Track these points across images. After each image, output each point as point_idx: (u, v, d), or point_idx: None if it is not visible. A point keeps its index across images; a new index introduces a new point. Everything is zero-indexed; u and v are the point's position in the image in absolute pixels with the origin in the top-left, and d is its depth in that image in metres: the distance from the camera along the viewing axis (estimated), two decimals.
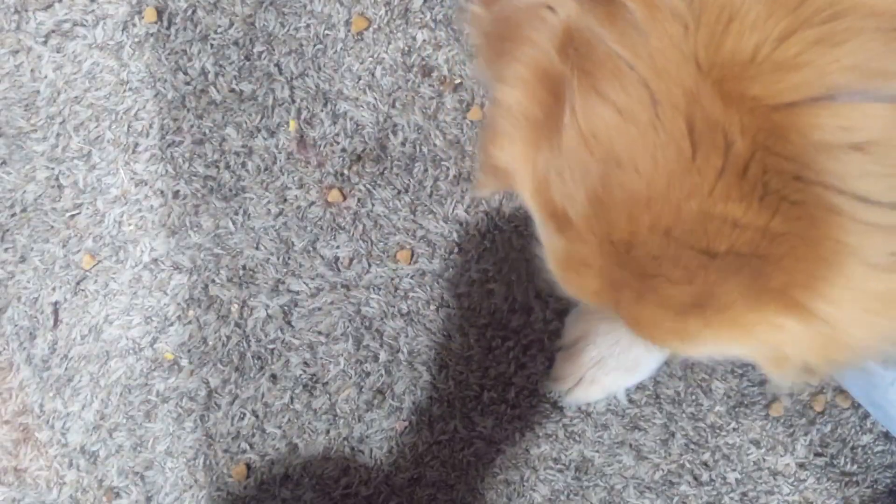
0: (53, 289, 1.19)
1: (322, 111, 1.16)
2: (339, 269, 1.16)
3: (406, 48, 1.16)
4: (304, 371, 1.16)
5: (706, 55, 0.47)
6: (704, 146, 0.48)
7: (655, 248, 0.51)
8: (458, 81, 1.15)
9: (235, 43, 1.17)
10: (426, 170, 1.15)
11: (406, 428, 1.16)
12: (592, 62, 0.50)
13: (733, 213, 0.48)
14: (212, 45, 1.17)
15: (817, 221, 0.47)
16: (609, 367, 1.07)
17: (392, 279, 1.15)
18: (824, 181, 0.46)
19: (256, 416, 1.17)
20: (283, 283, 1.16)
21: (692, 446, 1.13)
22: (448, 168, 1.14)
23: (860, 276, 0.48)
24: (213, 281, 1.17)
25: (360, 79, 1.16)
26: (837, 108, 0.45)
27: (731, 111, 0.47)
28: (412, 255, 1.15)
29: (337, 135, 1.16)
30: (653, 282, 0.53)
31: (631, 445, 1.14)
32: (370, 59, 1.16)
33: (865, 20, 0.45)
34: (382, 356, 1.15)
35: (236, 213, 1.17)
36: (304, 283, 1.16)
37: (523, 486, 1.14)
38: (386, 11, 1.16)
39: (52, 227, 1.19)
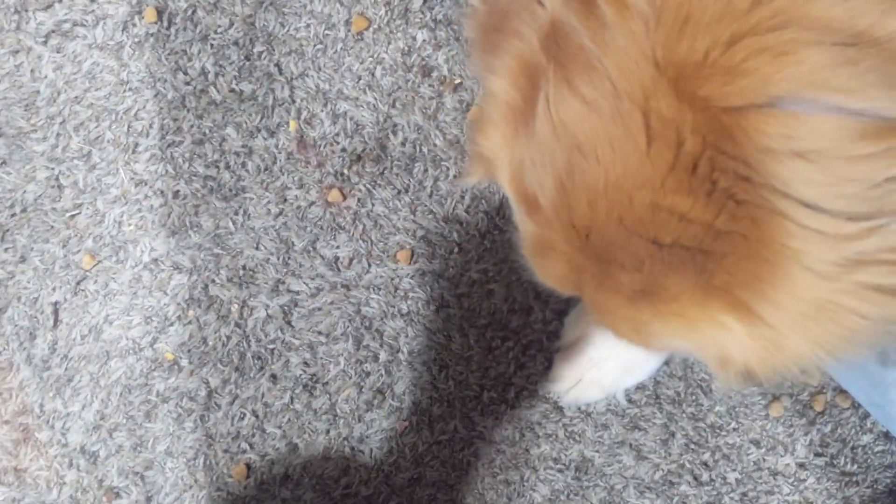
0: (53, 289, 1.19)
1: (322, 111, 1.16)
2: (339, 269, 1.16)
3: (406, 48, 1.16)
4: (304, 371, 1.16)
5: (663, 54, 0.48)
6: (658, 140, 0.49)
7: (610, 235, 0.53)
8: (458, 81, 1.15)
9: (235, 43, 1.17)
10: (426, 170, 1.15)
11: (406, 428, 1.16)
12: (567, 55, 0.52)
13: (681, 207, 0.50)
14: (212, 45, 1.17)
15: (762, 223, 0.49)
16: (608, 368, 1.07)
17: (392, 279, 1.15)
18: (770, 184, 0.48)
19: (256, 416, 1.17)
20: (283, 283, 1.16)
21: (692, 446, 1.13)
22: (448, 168, 1.14)
23: (801, 282, 0.49)
24: (213, 281, 1.17)
25: (360, 79, 1.16)
26: (781, 115, 0.47)
27: (683, 109, 0.48)
28: (412, 256, 1.15)
29: (337, 135, 1.16)
30: (608, 267, 0.54)
31: (631, 445, 1.14)
32: (370, 59, 1.16)
33: (811, 32, 0.46)
34: (382, 356, 1.15)
35: (236, 213, 1.17)
36: (304, 283, 1.16)
37: (523, 486, 1.14)
38: (386, 11, 1.16)
39: (52, 227, 1.19)
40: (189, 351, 1.18)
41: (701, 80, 0.48)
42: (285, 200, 1.16)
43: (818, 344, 0.51)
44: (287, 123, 1.17)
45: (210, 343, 1.17)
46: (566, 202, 0.54)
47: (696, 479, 1.13)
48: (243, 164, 1.17)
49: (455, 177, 1.14)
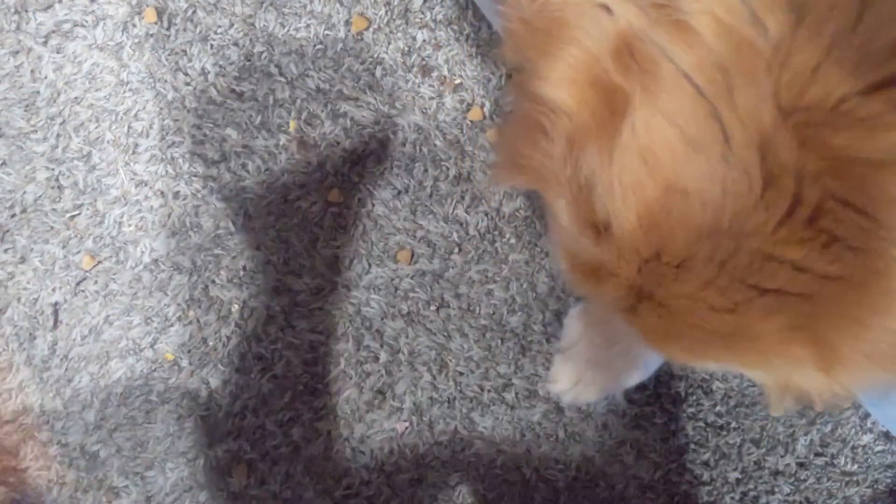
0: (53, 289, 1.19)
1: (322, 111, 1.16)
2: (339, 270, 1.16)
3: (406, 48, 1.16)
4: (305, 371, 1.16)
5: (788, 98, 0.46)
6: (775, 187, 0.47)
7: (705, 277, 0.51)
8: (458, 81, 1.15)
9: (235, 43, 1.17)
10: (426, 170, 1.15)
11: (407, 428, 1.16)
12: (658, 81, 0.49)
13: (793, 257, 0.48)
14: (212, 46, 1.17)
15: (877, 270, 0.48)
16: (607, 369, 1.07)
17: (392, 279, 1.15)
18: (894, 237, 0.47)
19: (257, 417, 1.17)
20: (284, 283, 1.16)
21: (692, 446, 1.13)
22: (448, 168, 1.14)
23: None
24: (214, 281, 1.17)
25: (360, 79, 1.16)
26: None
27: (806, 156, 0.46)
28: (412, 256, 1.15)
29: (337, 135, 1.16)
30: (693, 306, 0.52)
31: (631, 445, 1.14)
32: (370, 59, 1.16)
33: None
34: (383, 356, 1.16)
35: (236, 214, 1.17)
36: (305, 283, 1.16)
37: (525, 486, 1.14)
38: (386, 11, 1.16)
39: (52, 227, 1.19)
40: (189, 351, 1.18)
41: (833, 129, 0.46)
42: (285, 201, 1.16)
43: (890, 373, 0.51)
44: (287, 123, 1.17)
45: (210, 343, 1.17)
46: (653, 237, 0.51)
47: (696, 478, 1.13)
48: (243, 165, 1.17)
49: (455, 177, 1.14)
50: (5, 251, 1.19)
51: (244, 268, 1.17)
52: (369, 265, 1.16)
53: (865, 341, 0.49)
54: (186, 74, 1.17)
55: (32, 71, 1.18)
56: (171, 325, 1.18)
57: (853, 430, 1.12)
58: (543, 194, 0.58)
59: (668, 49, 0.49)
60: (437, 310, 1.15)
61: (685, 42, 0.49)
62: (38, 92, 1.18)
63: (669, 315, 0.54)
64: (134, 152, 1.18)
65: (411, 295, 1.15)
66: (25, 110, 1.19)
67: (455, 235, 1.15)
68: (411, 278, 1.15)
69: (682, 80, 0.48)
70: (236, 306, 1.17)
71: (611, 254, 0.53)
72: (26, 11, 1.18)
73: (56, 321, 1.19)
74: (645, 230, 0.51)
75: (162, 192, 1.18)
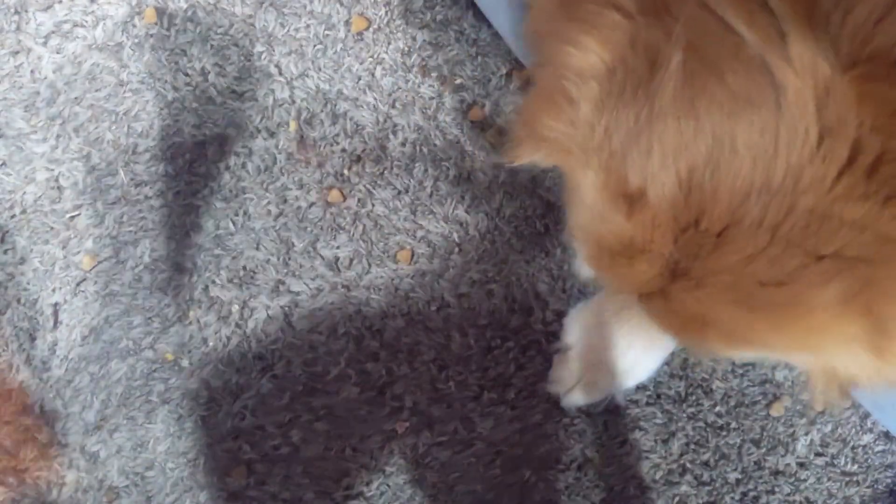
0: (53, 290, 1.19)
1: (322, 111, 1.16)
2: (339, 270, 1.16)
3: (406, 48, 1.16)
4: (305, 371, 1.16)
5: (849, 50, 0.45)
6: (832, 138, 0.45)
7: (754, 244, 0.48)
8: (458, 81, 1.15)
9: (235, 43, 1.17)
10: (426, 170, 1.15)
11: (406, 428, 1.16)
12: (700, 35, 0.47)
13: (852, 214, 0.46)
14: (212, 46, 1.17)
15: None
16: (606, 370, 1.07)
17: (392, 279, 1.15)
18: None
19: (256, 417, 1.17)
20: (284, 283, 1.16)
21: (693, 446, 1.13)
22: (448, 168, 1.14)
23: None
24: (214, 282, 1.17)
25: (360, 79, 1.16)
26: None
27: (865, 108, 0.45)
28: (412, 256, 1.15)
29: (337, 135, 1.16)
30: (735, 279, 0.49)
31: (632, 445, 1.14)
32: (370, 59, 1.16)
33: None
34: (383, 356, 1.15)
35: (236, 214, 1.17)
36: (305, 283, 1.16)
37: (524, 486, 1.14)
38: (386, 11, 1.16)
39: (52, 228, 1.19)
40: (190, 352, 1.18)
41: (893, 82, 0.44)
42: (285, 201, 1.16)
43: None
44: (287, 124, 1.17)
45: (211, 344, 1.17)
46: (695, 202, 0.48)
47: (696, 478, 1.13)
48: (243, 165, 1.17)
49: (455, 177, 1.14)
50: (5, 252, 1.19)
51: (244, 268, 1.17)
52: (369, 265, 1.16)
53: None
54: (186, 74, 1.17)
55: (32, 71, 1.18)
56: (172, 326, 1.18)
57: (853, 430, 1.12)
58: (566, 168, 0.55)
59: (715, 4, 0.47)
60: (438, 310, 1.15)
61: None
62: (38, 92, 1.18)
63: (708, 295, 0.51)
64: (134, 152, 1.18)
65: (411, 295, 1.15)
66: (25, 111, 1.19)
67: (455, 235, 1.15)
68: (411, 278, 1.15)
69: (727, 31, 0.46)
70: (236, 306, 1.17)
71: (644, 225, 0.51)
72: (26, 12, 1.18)
73: (56, 322, 1.19)
74: (685, 194, 0.48)
75: (162, 192, 1.18)
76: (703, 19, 0.47)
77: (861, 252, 0.46)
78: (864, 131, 0.45)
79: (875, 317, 0.48)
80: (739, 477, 1.13)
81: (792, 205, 0.46)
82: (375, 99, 1.16)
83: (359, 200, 1.16)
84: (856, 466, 1.12)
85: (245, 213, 1.17)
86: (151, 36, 1.17)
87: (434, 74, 1.15)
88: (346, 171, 1.16)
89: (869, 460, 1.12)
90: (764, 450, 1.13)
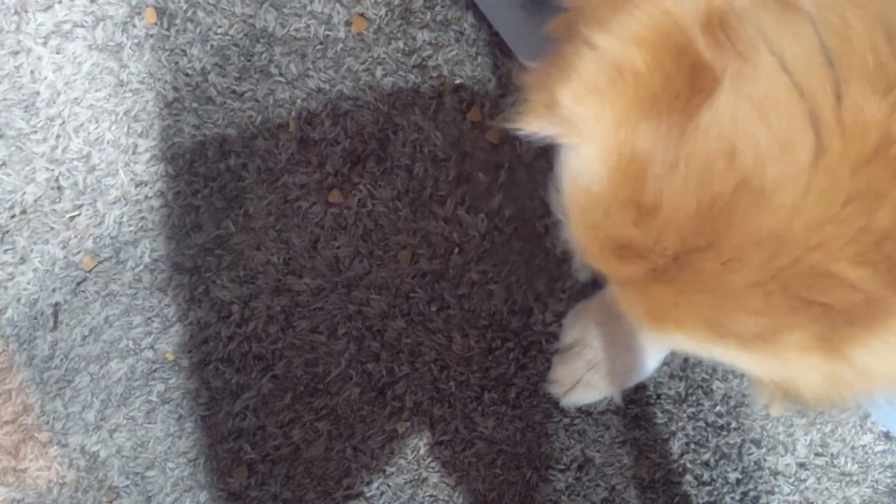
0: (53, 290, 1.19)
1: (322, 111, 1.16)
2: (339, 270, 1.16)
3: (406, 48, 1.15)
4: (306, 371, 1.16)
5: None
6: (857, 203, 0.45)
7: (751, 278, 0.48)
8: (458, 81, 1.15)
9: (235, 43, 1.17)
10: (426, 170, 1.15)
11: (407, 429, 1.16)
12: (753, 69, 0.46)
13: (852, 276, 0.46)
14: (212, 46, 1.17)
15: None
16: (605, 370, 1.07)
17: (393, 279, 1.15)
18: None
19: (257, 417, 1.17)
20: (284, 283, 1.16)
21: (693, 446, 1.13)
22: (448, 168, 1.14)
23: None
24: (214, 282, 1.17)
25: (360, 79, 1.16)
26: None
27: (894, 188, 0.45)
28: (413, 256, 1.15)
29: (337, 135, 1.16)
30: (720, 300, 0.50)
31: (632, 445, 1.14)
32: (370, 59, 1.16)
33: None
34: (383, 357, 1.16)
35: (237, 214, 1.17)
36: (305, 283, 1.16)
37: (525, 486, 1.15)
38: (386, 11, 1.15)
39: (53, 228, 1.19)
40: (190, 352, 1.18)
41: None
42: (286, 201, 1.16)
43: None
44: (287, 123, 1.16)
45: (211, 344, 1.17)
46: (710, 231, 0.48)
47: (696, 478, 1.14)
48: (244, 165, 1.17)
49: (455, 177, 1.14)
50: (5, 252, 1.19)
51: (244, 268, 1.17)
52: (370, 265, 1.16)
53: (879, 356, 0.48)
54: (186, 75, 1.17)
55: (32, 71, 1.18)
56: (172, 326, 1.18)
57: (853, 430, 1.12)
58: (577, 150, 0.53)
59: (770, 35, 0.45)
60: (438, 310, 1.15)
61: (791, 30, 0.45)
62: (38, 92, 1.18)
63: (686, 303, 0.51)
64: (134, 152, 1.18)
65: (412, 295, 1.15)
66: (25, 111, 1.18)
67: (455, 236, 1.15)
68: (412, 278, 1.15)
69: (782, 74, 0.45)
70: (237, 307, 1.17)
71: (648, 236, 0.50)
72: (26, 12, 1.17)
73: (56, 322, 1.19)
74: (701, 221, 0.48)
75: (162, 193, 1.18)
76: (758, 52, 0.45)
77: (848, 307, 0.47)
78: (887, 203, 0.45)
79: (839, 355, 0.49)
80: (739, 477, 1.13)
81: (800, 257, 0.46)
82: (375, 99, 1.15)
83: (359, 200, 1.16)
84: (856, 466, 1.12)
85: (245, 213, 1.17)
86: (151, 36, 1.17)
87: (434, 74, 1.15)
88: (346, 171, 1.16)
89: (869, 460, 1.12)
90: (764, 450, 1.13)
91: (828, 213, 0.45)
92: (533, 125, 0.55)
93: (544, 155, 1.12)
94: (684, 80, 0.47)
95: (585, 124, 0.51)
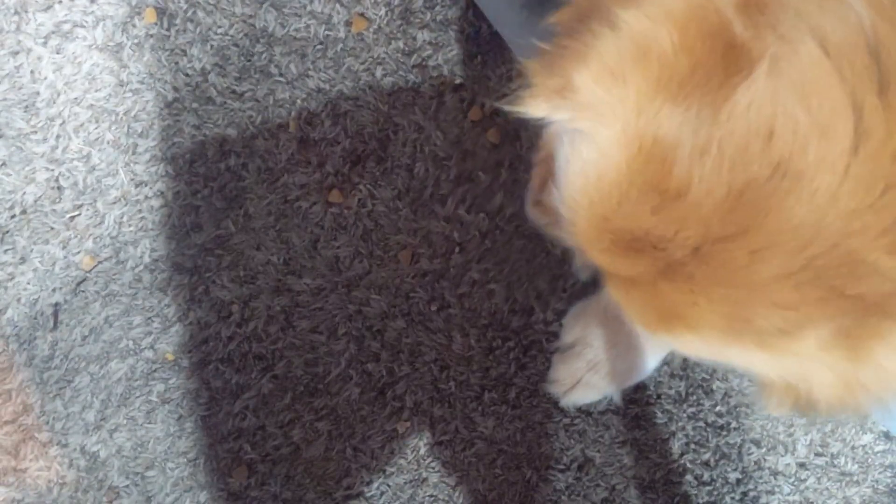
0: (53, 290, 1.19)
1: (322, 111, 1.16)
2: (340, 270, 1.16)
3: (406, 48, 1.15)
4: (306, 371, 1.16)
5: None
6: (895, 191, 0.44)
7: (782, 268, 0.46)
8: (458, 81, 1.15)
9: (235, 43, 1.17)
10: (426, 170, 1.15)
11: (407, 429, 1.16)
12: (793, 53, 0.44)
13: (888, 265, 0.45)
14: (212, 46, 1.17)
15: None
16: (605, 370, 1.07)
17: (393, 279, 1.15)
18: None
19: (257, 417, 1.17)
20: (284, 283, 1.16)
21: (693, 446, 1.13)
22: (448, 168, 1.14)
23: None
24: (214, 282, 1.17)
25: (360, 79, 1.16)
26: None
27: None
28: (413, 256, 1.15)
29: (337, 135, 1.16)
30: (744, 294, 0.48)
31: (632, 445, 1.14)
32: (370, 59, 1.16)
33: None
34: (384, 357, 1.16)
35: (237, 214, 1.17)
36: (305, 283, 1.16)
37: (525, 486, 1.15)
38: (386, 11, 1.15)
39: (53, 228, 1.19)
40: (190, 352, 1.18)
41: None
42: (286, 201, 1.16)
43: None
44: (287, 123, 1.16)
45: (211, 344, 1.17)
46: (741, 218, 0.46)
47: (696, 478, 1.14)
48: (244, 165, 1.17)
49: (456, 177, 1.14)
50: (5, 252, 1.19)
51: (244, 268, 1.17)
52: (370, 265, 1.16)
53: None
54: (186, 75, 1.17)
55: (32, 72, 1.18)
56: (172, 326, 1.18)
57: (853, 430, 1.12)
58: (584, 133, 0.50)
59: (811, 19, 0.45)
60: (439, 310, 1.15)
61: (835, 15, 0.44)
62: (38, 93, 1.18)
63: (704, 303, 0.49)
64: (134, 153, 1.18)
65: (412, 295, 1.15)
66: (25, 111, 1.18)
67: (456, 235, 1.15)
68: (412, 278, 1.15)
69: (824, 58, 0.44)
70: (237, 307, 1.17)
71: (669, 224, 0.48)
72: (26, 12, 1.17)
73: (56, 322, 1.19)
74: (731, 207, 0.46)
75: (162, 193, 1.18)
76: (799, 36, 0.44)
77: (878, 298, 0.46)
78: None
79: (861, 353, 0.48)
80: (740, 477, 1.13)
81: (837, 243, 0.45)
82: (375, 99, 1.15)
83: (359, 200, 1.16)
84: (856, 466, 1.12)
85: (245, 213, 1.17)
86: (151, 36, 1.17)
87: (434, 74, 1.15)
88: (346, 171, 1.16)
89: (869, 460, 1.12)
90: (764, 450, 1.13)
91: (865, 200, 0.44)
92: (540, 109, 0.53)
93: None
94: (717, 63, 0.46)
95: (606, 107, 0.49)
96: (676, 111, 0.46)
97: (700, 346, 0.52)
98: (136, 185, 1.18)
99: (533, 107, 0.53)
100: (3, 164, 1.19)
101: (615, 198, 0.49)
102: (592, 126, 0.50)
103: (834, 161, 0.44)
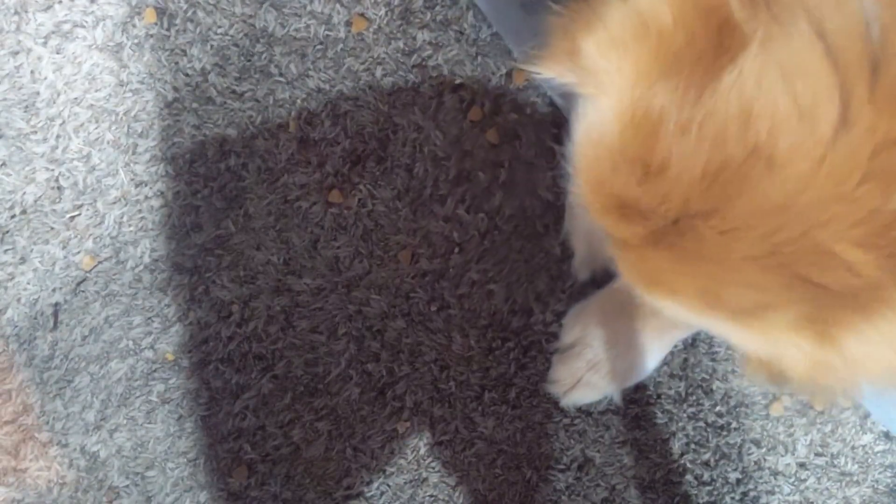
0: (53, 290, 1.19)
1: (322, 111, 1.16)
2: (339, 270, 1.16)
3: (406, 48, 1.15)
4: (306, 372, 1.16)
5: None
6: (871, 185, 0.44)
7: (750, 250, 0.47)
8: (457, 81, 1.15)
9: (235, 43, 1.17)
10: (426, 170, 1.15)
11: (407, 429, 1.16)
12: (786, 34, 0.44)
13: (854, 259, 0.45)
14: (212, 46, 1.17)
15: None
16: (605, 370, 1.07)
17: (393, 279, 1.15)
18: None
19: (257, 417, 1.17)
20: (284, 283, 1.16)
21: (693, 446, 1.13)
22: (448, 168, 1.14)
23: None
24: (214, 282, 1.17)
25: (360, 79, 1.16)
26: None
27: None
28: (413, 256, 1.15)
29: (337, 135, 1.16)
30: (716, 269, 0.48)
31: (632, 445, 1.14)
32: (370, 59, 1.16)
33: None
34: (384, 357, 1.16)
35: (237, 214, 1.17)
36: (305, 283, 1.16)
37: (525, 486, 1.15)
38: (386, 11, 1.15)
39: (53, 228, 1.19)
40: (190, 352, 1.18)
41: None
42: (286, 201, 1.16)
43: (889, 377, 0.49)
44: (287, 123, 1.16)
45: (211, 344, 1.17)
46: (715, 197, 0.47)
47: (696, 478, 1.14)
48: (244, 165, 1.17)
49: (455, 177, 1.14)
50: (5, 252, 1.19)
51: (244, 268, 1.17)
52: (370, 265, 1.16)
53: (870, 345, 0.47)
54: (186, 75, 1.17)
55: (32, 72, 1.18)
56: (172, 326, 1.18)
57: (853, 430, 1.12)
58: (592, 97, 0.52)
59: (811, 1, 0.44)
60: (438, 310, 1.15)
61: (839, 7, 0.44)
62: (38, 93, 1.18)
63: (682, 272, 0.50)
64: (134, 153, 1.18)
65: (412, 295, 1.15)
66: (25, 111, 1.18)
67: (455, 235, 1.15)
68: (412, 278, 1.15)
69: (817, 41, 0.44)
70: (237, 307, 1.17)
71: (652, 196, 0.49)
72: (26, 12, 1.17)
73: (56, 322, 1.19)
74: (707, 186, 0.46)
75: (162, 193, 1.18)
76: (794, 18, 0.44)
77: (844, 289, 0.46)
78: None
79: (829, 339, 0.48)
80: (740, 477, 1.13)
81: (805, 232, 0.45)
82: (375, 99, 1.15)
83: (359, 200, 1.16)
84: (856, 466, 1.12)
85: (245, 213, 1.17)
86: (151, 36, 1.17)
87: (434, 74, 1.15)
88: (346, 171, 1.16)
89: (869, 460, 1.12)
90: (764, 450, 1.13)
91: (839, 190, 0.44)
92: (552, 70, 0.54)
93: (544, 154, 1.12)
94: (710, 41, 0.46)
95: (605, 76, 0.50)
96: (667, 87, 0.47)
97: (682, 313, 0.54)
98: (136, 185, 1.18)
99: (546, 68, 0.54)
100: (3, 164, 1.19)
101: (609, 164, 0.51)
102: (595, 92, 0.51)
103: (810, 148, 0.44)
